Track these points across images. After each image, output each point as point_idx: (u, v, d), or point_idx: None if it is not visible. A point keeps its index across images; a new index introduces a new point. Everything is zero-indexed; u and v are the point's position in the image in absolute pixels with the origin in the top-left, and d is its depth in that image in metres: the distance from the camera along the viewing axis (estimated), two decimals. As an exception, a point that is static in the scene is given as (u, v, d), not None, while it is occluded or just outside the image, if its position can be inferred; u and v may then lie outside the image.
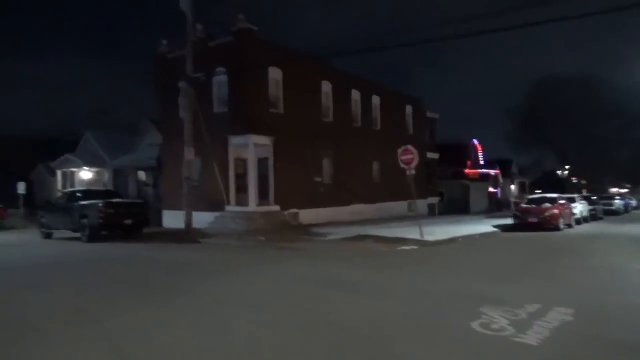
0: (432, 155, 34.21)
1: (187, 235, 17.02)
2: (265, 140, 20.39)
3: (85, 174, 32.50)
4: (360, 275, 9.09)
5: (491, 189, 46.69)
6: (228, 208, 20.51)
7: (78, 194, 17.78)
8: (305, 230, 18.98)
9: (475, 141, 49.53)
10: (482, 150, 50.14)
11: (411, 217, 29.14)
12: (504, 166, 55.20)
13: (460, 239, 16.47)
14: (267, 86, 20.54)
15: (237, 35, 19.83)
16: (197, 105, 17.93)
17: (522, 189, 61.63)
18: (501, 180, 52.29)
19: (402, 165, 16.06)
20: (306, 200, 21.98)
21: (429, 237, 15.47)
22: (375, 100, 27.30)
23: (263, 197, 20.72)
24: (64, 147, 40.04)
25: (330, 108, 23.97)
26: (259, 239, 16.10)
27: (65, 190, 20.19)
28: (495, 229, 20.42)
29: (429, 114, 33.91)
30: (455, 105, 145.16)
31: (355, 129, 25.69)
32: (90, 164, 30.45)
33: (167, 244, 15.80)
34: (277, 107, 21.07)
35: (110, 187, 28.25)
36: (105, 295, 7.36)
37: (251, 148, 19.80)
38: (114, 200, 17.31)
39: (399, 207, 29.23)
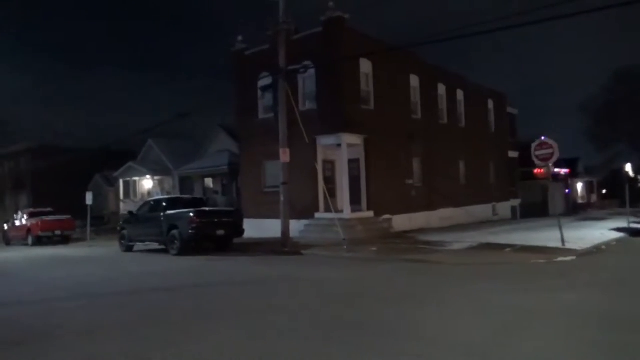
0: (512, 154, 31.65)
1: (285, 246, 15.27)
2: (356, 140, 18.50)
3: (147, 183, 31.49)
4: (593, 301, 6.99)
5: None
6: (317, 215, 18.69)
7: (164, 203, 16.26)
8: (410, 239, 16.95)
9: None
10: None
11: (498, 221, 26.82)
12: (570, 165, 51.80)
13: (603, 247, 14.14)
14: (359, 80, 18.67)
15: (326, 25, 18.05)
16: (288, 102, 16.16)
17: (590, 189, 57.81)
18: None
19: (537, 162, 13.83)
20: (398, 205, 19.97)
21: (570, 245, 13.22)
22: (460, 94, 25.09)
23: (354, 201, 18.78)
24: (121, 157, 39.46)
25: (418, 104, 21.92)
26: (370, 250, 14.16)
27: (149, 199, 18.77)
28: (620, 233, 17.86)
29: (508, 109, 31.39)
30: (520, 97, 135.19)
31: (442, 126, 23.55)
32: (153, 172, 29.30)
33: (268, 257, 14.06)
34: (367, 104, 19.17)
35: (175, 195, 26.91)
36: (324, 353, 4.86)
37: (344, 148, 17.93)
38: (207, 209, 15.73)
39: (484, 210, 26.91)
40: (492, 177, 28.00)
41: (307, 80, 19.00)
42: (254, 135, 20.76)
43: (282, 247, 15.34)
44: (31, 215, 25.28)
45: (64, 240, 24.90)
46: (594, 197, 56.88)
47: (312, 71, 18.51)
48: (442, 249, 14.05)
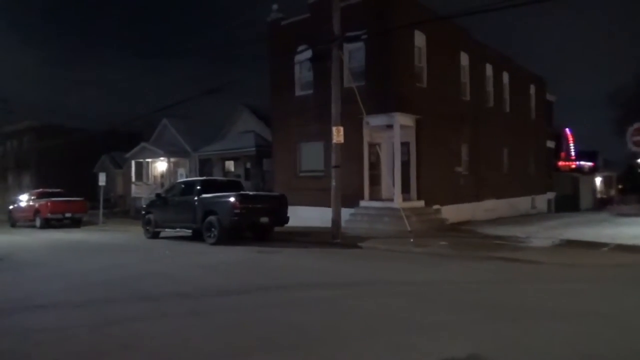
0: (549, 144, 29.90)
1: (335, 238, 13.51)
2: (409, 121, 16.68)
3: (161, 165, 29.62)
4: None
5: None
6: (362, 203, 16.94)
7: (197, 186, 14.43)
8: (472, 232, 15.24)
9: (568, 130, 44.82)
10: (574, 140, 45.45)
11: (538, 214, 25.16)
12: (590, 158, 50.18)
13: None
14: (413, 54, 16.80)
15: (380, -10, 16.14)
16: (339, 76, 14.27)
17: (609, 183, 56.22)
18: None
19: (634, 149, 12.07)
20: (446, 195, 18.21)
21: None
22: (505, 77, 23.22)
23: (402, 190, 17.00)
24: (130, 139, 37.49)
25: (467, 84, 20.07)
26: (440, 244, 12.41)
27: (179, 181, 16.94)
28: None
29: (547, 96, 29.56)
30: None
31: (488, 110, 21.71)
32: (170, 153, 27.38)
33: (323, 250, 12.27)
34: (420, 81, 17.31)
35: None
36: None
37: (396, 130, 16.10)
38: (250, 193, 13.96)
39: (524, 202, 25.21)
40: (531, 168, 26.26)
41: (354, 54, 17.09)
42: (289, 114, 18.89)
43: (332, 238, 13.58)
44: (39, 196, 23.42)
45: (75, 223, 23.08)
46: (612, 192, 55.34)
47: (359, 44, 16.63)
48: (523, 245, 12.31)
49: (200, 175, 24.83)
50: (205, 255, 11.54)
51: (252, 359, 4.13)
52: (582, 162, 43.65)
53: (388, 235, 14.00)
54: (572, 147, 44.63)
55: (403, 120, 16.27)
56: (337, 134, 13.80)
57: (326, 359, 4.11)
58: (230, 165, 26.05)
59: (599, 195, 46.56)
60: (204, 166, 25.91)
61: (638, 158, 55.96)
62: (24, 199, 24.24)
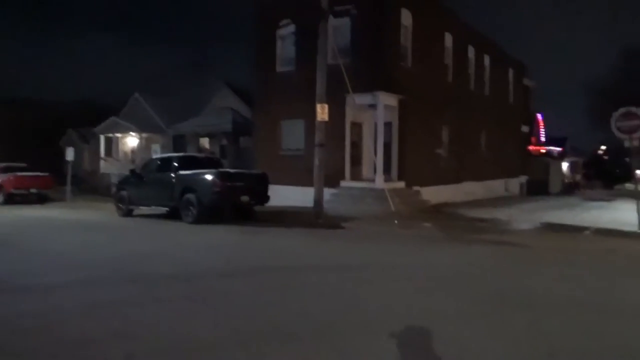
0: (524, 128, 30.27)
1: (318, 218, 13.27)
2: (392, 101, 16.44)
3: (132, 140, 28.63)
4: None
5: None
6: (343, 183, 16.71)
7: (175, 162, 13.86)
8: (453, 215, 15.25)
9: (539, 115, 45.60)
10: (544, 125, 46.32)
11: (512, 197, 25.53)
12: (559, 144, 51.34)
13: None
14: (399, 32, 16.47)
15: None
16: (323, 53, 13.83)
17: (575, 169, 57.78)
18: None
19: (619, 135, 12.14)
20: (427, 176, 18.15)
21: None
22: (487, 59, 23.20)
23: (383, 170, 16.83)
24: (100, 113, 36.11)
25: (450, 66, 19.92)
26: (424, 226, 12.34)
27: (155, 157, 16.26)
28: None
29: (525, 81, 29.78)
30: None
31: (469, 93, 21.69)
32: (142, 128, 26.42)
33: (307, 230, 12.00)
34: (405, 61, 17.03)
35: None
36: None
37: (380, 109, 15.85)
38: (231, 171, 13.51)
39: (498, 185, 25.51)
40: (506, 151, 26.54)
41: (339, 30, 16.62)
42: (271, 91, 18.36)
43: (315, 218, 13.34)
44: (3, 170, 22.21)
45: (40, 199, 22.05)
46: (578, 177, 56.89)
47: (344, 20, 16.18)
48: (507, 228, 12.36)
49: (175, 152, 24.07)
50: (186, 234, 11.14)
51: (266, 349, 3.84)
52: (551, 147, 44.58)
53: (371, 216, 13.83)
54: (542, 132, 45.48)
55: (387, 100, 16.03)
56: (322, 112, 13.45)
57: (344, 348, 3.85)
58: (205, 142, 25.35)
59: (566, 180, 47.76)
60: (177, 143, 25.15)
61: (613, 145, 57.54)
62: (-15, 173, 22.98)
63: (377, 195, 15.43)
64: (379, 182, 15.75)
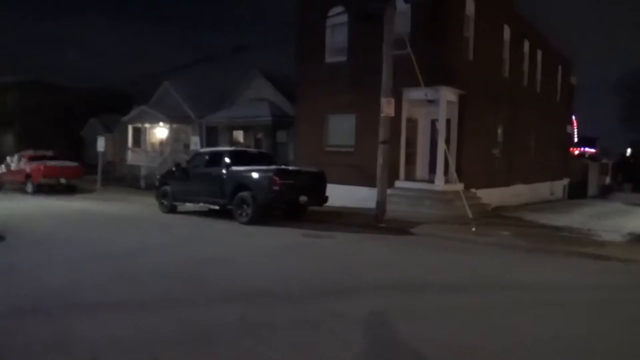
0: (569, 129, 28.91)
1: (379, 221, 12.20)
2: (452, 97, 15.30)
3: (161, 131, 27.70)
4: None
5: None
6: (397, 183, 15.62)
7: (226, 157, 12.85)
8: (519, 220, 14.13)
9: (573, 116, 44.13)
10: (578, 125, 44.82)
11: (558, 201, 24.32)
12: (590, 145, 49.76)
13: None
14: (463, 22, 15.31)
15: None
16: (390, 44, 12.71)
17: (604, 171, 56.06)
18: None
19: None
20: (482, 178, 17.01)
21: None
22: (539, 55, 21.91)
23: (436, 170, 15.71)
24: (123, 101, 35.30)
25: (507, 61, 18.69)
26: (502, 234, 11.23)
27: (202, 150, 15.25)
28: None
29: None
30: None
31: (523, 90, 20.45)
32: (171, 119, 25.47)
33: (373, 235, 10.94)
34: (466, 53, 15.86)
35: (199, 148, 23.29)
36: None
37: (442, 105, 14.68)
38: (290, 168, 12.50)
39: (544, 188, 24.26)
40: (553, 153, 25.28)
41: (399, 19, 15.45)
42: (317, 82, 17.26)
43: (376, 221, 12.28)
44: (31, 159, 21.42)
45: (70, 190, 21.28)
46: (608, 180, 55.31)
47: (404, 7, 15.00)
48: (594, 239, 11.19)
49: (207, 145, 23.10)
50: (246, 237, 10.13)
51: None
52: (586, 149, 43.15)
53: (437, 221, 12.76)
54: (575, 133, 44.08)
55: (448, 95, 14.88)
56: (388, 106, 12.37)
57: None
58: (239, 135, 24.33)
59: (606, 183, 46.28)
60: (209, 135, 24.18)
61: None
62: (12, 161, 22.23)
63: (437, 198, 14.36)
64: (439, 183, 14.65)
